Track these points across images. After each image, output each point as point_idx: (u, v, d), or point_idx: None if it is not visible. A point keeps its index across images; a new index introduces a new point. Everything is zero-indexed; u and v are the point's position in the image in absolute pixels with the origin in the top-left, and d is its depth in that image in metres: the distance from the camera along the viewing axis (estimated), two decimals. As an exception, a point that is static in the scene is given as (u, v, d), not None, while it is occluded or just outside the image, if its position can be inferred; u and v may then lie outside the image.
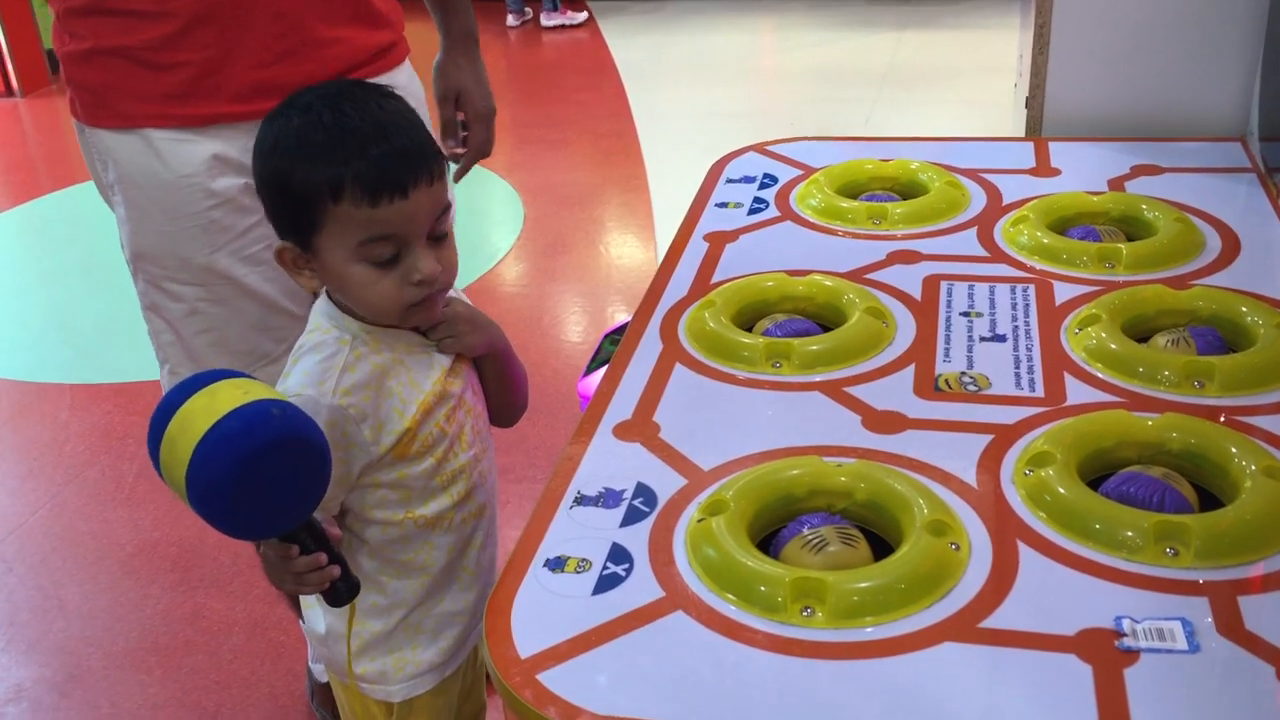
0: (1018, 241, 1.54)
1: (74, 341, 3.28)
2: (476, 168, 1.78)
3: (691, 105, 4.88)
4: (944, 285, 1.46)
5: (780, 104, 4.93)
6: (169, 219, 1.42)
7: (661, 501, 1.11)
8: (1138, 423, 1.14)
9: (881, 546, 1.06)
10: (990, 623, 0.94)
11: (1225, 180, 1.69)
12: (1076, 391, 1.23)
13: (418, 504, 1.17)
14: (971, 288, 1.45)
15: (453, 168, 1.67)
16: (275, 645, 2.06)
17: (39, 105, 5.51)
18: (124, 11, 1.35)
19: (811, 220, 1.66)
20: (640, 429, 1.22)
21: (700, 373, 1.31)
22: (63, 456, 2.73)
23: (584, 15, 6.06)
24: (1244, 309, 1.31)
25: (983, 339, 1.34)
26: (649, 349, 1.37)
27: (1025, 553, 1.01)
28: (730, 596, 0.98)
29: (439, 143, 1.26)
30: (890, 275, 1.49)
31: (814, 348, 1.32)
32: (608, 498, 1.12)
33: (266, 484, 0.94)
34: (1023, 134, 1.96)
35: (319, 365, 1.12)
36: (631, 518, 1.09)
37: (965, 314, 1.39)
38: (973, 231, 1.59)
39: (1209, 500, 1.08)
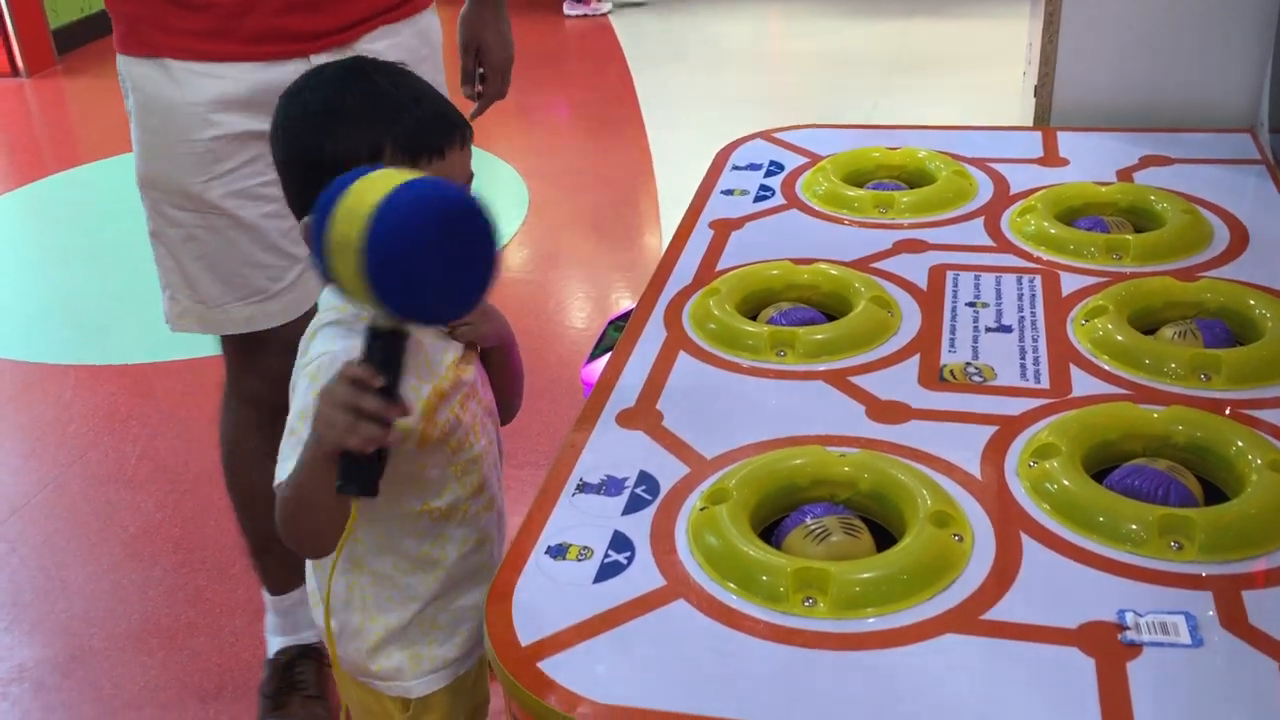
0: (1025, 231, 1.53)
1: (77, 322, 3.28)
2: (480, 151, 1.78)
3: (697, 91, 4.86)
4: (950, 275, 1.45)
5: (786, 91, 4.91)
6: (173, 143, 1.51)
7: (664, 490, 1.10)
8: (1143, 415, 1.13)
9: (884, 537, 1.05)
10: (992, 615, 0.94)
11: (1234, 172, 1.68)
12: (1082, 383, 1.22)
13: (433, 495, 1.15)
14: (978, 278, 1.44)
15: None
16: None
17: (44, 86, 5.50)
18: None
19: (817, 208, 1.66)
20: (643, 417, 1.21)
21: (704, 361, 1.31)
22: (66, 437, 2.73)
23: (608, 6, 6.01)
24: (1252, 301, 1.31)
25: (988, 329, 1.33)
26: (653, 336, 1.36)
27: (1029, 545, 1.01)
28: (732, 586, 0.98)
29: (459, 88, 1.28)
30: (896, 264, 1.48)
31: (819, 337, 1.31)
32: (610, 485, 1.11)
33: (447, 255, 0.87)
34: (1030, 123, 1.95)
35: (342, 332, 1.09)
36: (634, 506, 1.08)
37: (971, 304, 1.38)
38: (980, 221, 1.58)
39: (1214, 494, 1.08)
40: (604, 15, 5.96)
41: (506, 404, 1.27)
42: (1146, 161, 1.71)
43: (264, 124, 1.43)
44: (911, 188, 1.69)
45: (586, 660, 0.91)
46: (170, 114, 1.50)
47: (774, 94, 4.91)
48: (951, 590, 0.96)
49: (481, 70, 1.79)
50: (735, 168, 1.81)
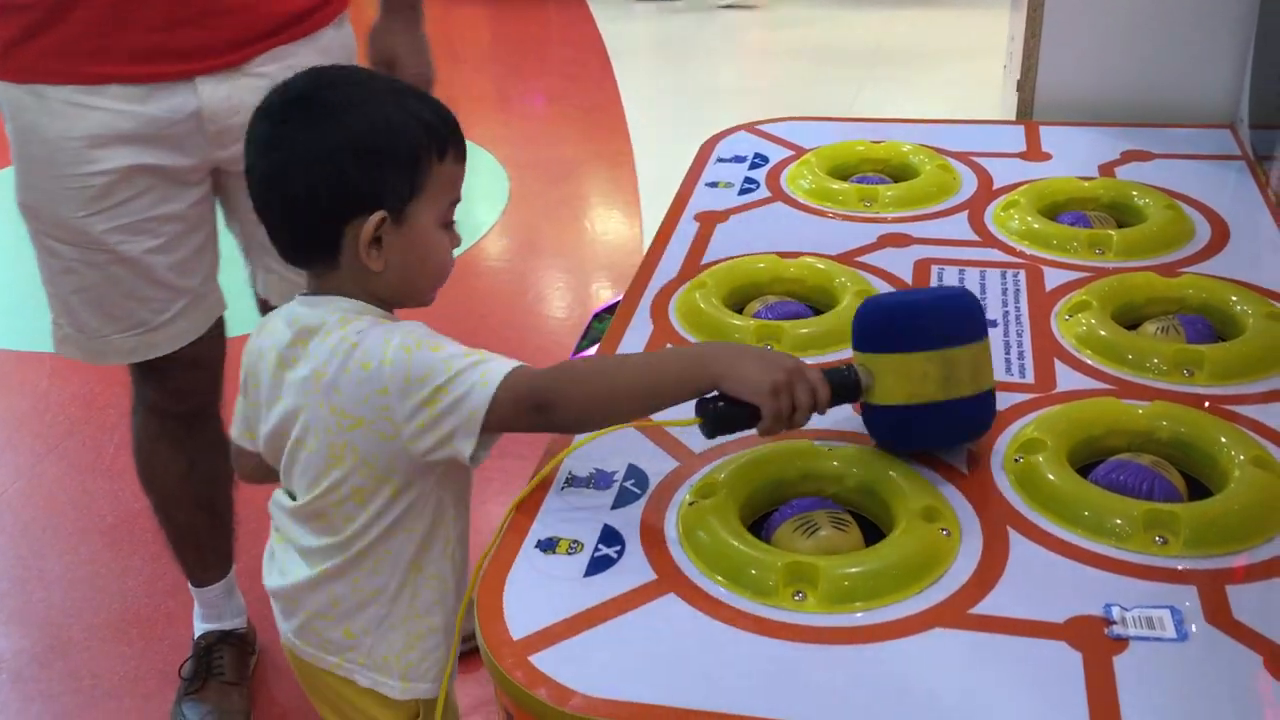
0: (1008, 226, 1.54)
1: (53, 310, 3.26)
2: None
3: (678, 82, 4.86)
4: (934, 269, 1.46)
5: (767, 82, 4.91)
6: (51, 177, 1.43)
7: (653, 484, 1.11)
8: (1128, 411, 1.14)
9: (871, 532, 1.06)
10: (980, 609, 0.94)
11: (1215, 167, 1.70)
12: (1066, 378, 1.23)
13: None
14: (962, 272, 1.45)
15: None
16: (257, 617, 2.05)
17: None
18: None
19: (802, 201, 1.66)
20: (631, 410, 1.21)
21: (691, 354, 1.31)
22: (42, 426, 2.71)
23: None
24: (1233, 298, 1.32)
25: (973, 324, 1.33)
26: (639, 329, 1.36)
27: (1015, 539, 1.02)
28: (721, 580, 0.98)
29: None
30: (881, 258, 1.49)
31: (805, 330, 1.32)
32: (599, 479, 1.12)
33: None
34: (1012, 115, 1.96)
35: (380, 323, 1.08)
36: (623, 499, 1.09)
37: (956, 298, 1.39)
38: (963, 215, 1.59)
39: (1197, 489, 1.09)
40: None
41: None
42: (1128, 156, 1.73)
43: (154, 158, 1.43)
44: (895, 181, 1.69)
45: (578, 654, 0.92)
46: (48, 147, 1.42)
47: (754, 85, 4.92)
48: (939, 585, 0.97)
49: None
50: (720, 160, 1.81)
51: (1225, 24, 1.78)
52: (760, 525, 1.07)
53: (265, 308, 1.65)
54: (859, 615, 0.94)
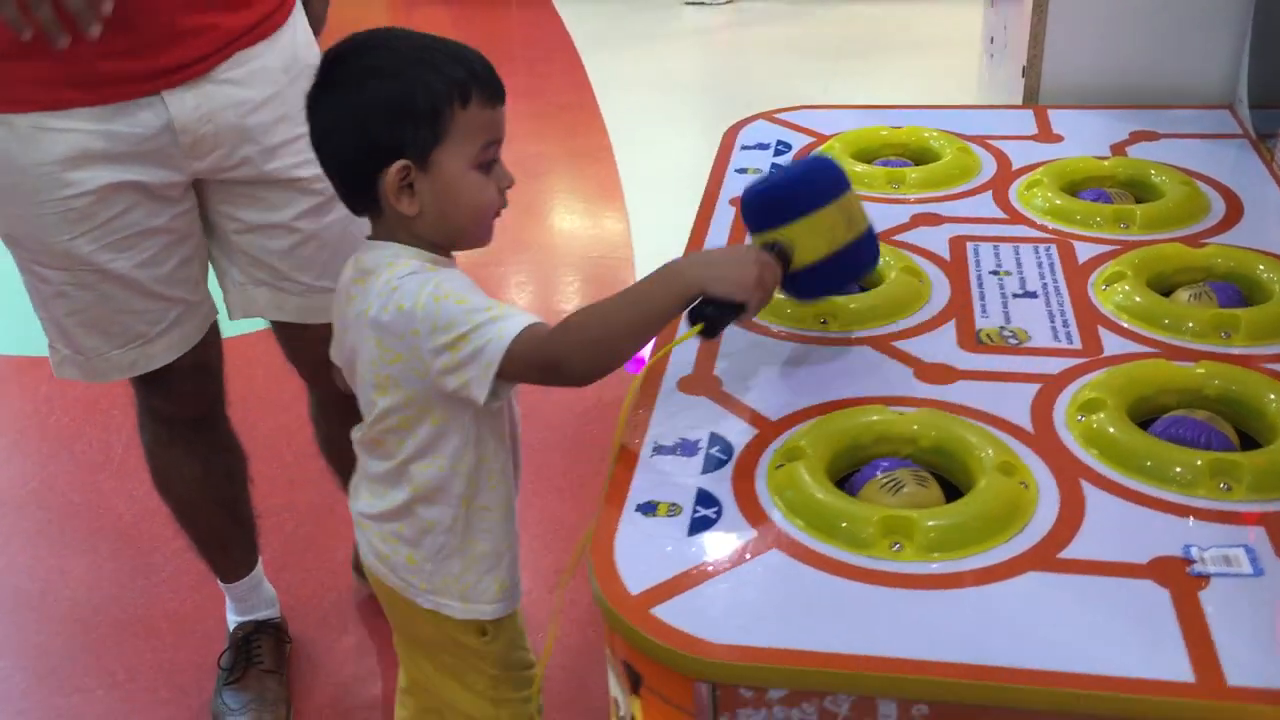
0: (1033, 204, 1.60)
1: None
2: None
3: (649, 77, 4.91)
4: (970, 246, 1.52)
5: (737, 75, 4.97)
6: (29, 205, 1.43)
7: (737, 450, 1.16)
8: (1179, 370, 1.21)
9: (948, 489, 1.12)
10: (1068, 554, 1.00)
11: (1219, 145, 1.77)
12: (1112, 343, 1.30)
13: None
14: (997, 248, 1.51)
15: None
16: (285, 608, 2.08)
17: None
18: None
19: (831, 185, 1.71)
20: (703, 383, 1.27)
21: (751, 330, 1.36)
22: (48, 430, 2.71)
23: None
24: (1260, 266, 1.39)
25: (1015, 295, 1.40)
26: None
27: (1089, 490, 1.08)
28: (820, 535, 1.04)
29: None
30: (916, 237, 1.55)
31: (857, 306, 1.38)
32: (684, 447, 1.17)
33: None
34: (997, 102, 2.03)
35: (425, 269, 1.17)
36: (711, 465, 1.14)
37: (995, 272, 1.45)
38: (988, 195, 1.66)
39: (1246, 441, 1.16)
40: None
41: None
42: (1136, 136, 1.80)
43: (132, 174, 1.44)
44: (918, 164, 1.76)
45: (698, 605, 0.96)
46: (22, 175, 1.41)
47: (725, 78, 4.97)
48: (1025, 534, 1.03)
49: None
50: (744, 147, 1.86)
51: (1223, 9, 1.86)
52: (842, 485, 1.13)
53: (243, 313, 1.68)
54: (955, 563, 1.00)
